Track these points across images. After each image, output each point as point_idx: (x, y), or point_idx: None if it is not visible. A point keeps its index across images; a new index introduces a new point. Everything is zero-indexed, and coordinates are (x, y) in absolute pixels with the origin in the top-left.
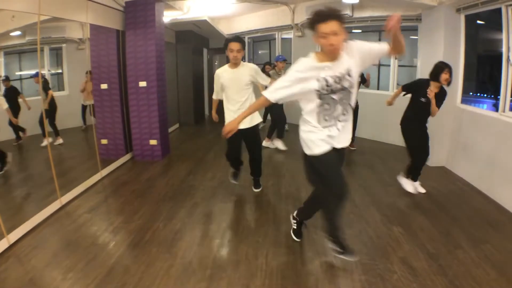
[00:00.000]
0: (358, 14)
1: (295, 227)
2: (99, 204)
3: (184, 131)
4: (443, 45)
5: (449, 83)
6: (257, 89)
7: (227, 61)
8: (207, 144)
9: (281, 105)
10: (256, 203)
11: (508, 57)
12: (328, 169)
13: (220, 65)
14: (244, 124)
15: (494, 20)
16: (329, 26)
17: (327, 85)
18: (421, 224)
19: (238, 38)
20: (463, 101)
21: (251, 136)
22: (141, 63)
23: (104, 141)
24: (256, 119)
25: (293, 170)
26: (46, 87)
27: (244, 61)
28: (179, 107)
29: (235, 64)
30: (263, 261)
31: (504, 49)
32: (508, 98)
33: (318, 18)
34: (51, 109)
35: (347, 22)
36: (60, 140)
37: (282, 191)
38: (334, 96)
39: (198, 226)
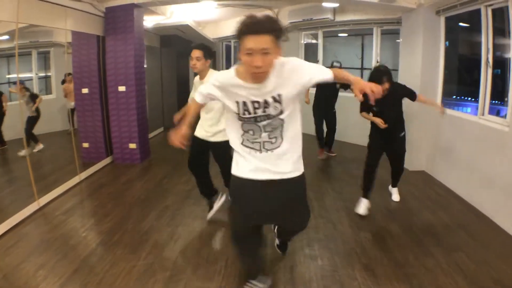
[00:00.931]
0: (339, 18)
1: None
2: (74, 206)
3: (168, 135)
4: (422, 47)
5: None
6: None
7: (213, 65)
8: (187, 148)
9: None
10: (226, 207)
11: (487, 59)
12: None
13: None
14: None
15: (477, 22)
16: (259, 42)
17: (246, 110)
18: (391, 230)
19: (200, 45)
20: (446, 104)
21: (217, 151)
22: (120, 68)
23: (85, 145)
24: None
25: None
26: (33, 96)
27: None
28: (164, 111)
29: (201, 75)
30: (223, 264)
31: (483, 51)
32: (488, 101)
33: (246, 28)
34: (36, 117)
35: (329, 26)
36: (40, 146)
37: None
38: (259, 124)
39: (165, 228)
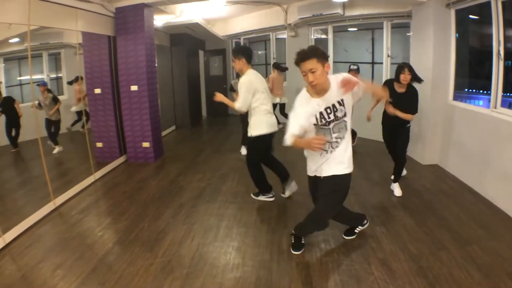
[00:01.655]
0: (349, 13)
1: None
2: (90, 205)
3: (180, 133)
4: (433, 41)
5: (412, 79)
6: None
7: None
8: (201, 146)
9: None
10: (240, 204)
11: (499, 51)
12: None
13: (219, 67)
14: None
15: (487, 14)
16: (306, 65)
17: (323, 118)
18: (406, 224)
19: (234, 48)
20: (458, 98)
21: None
22: (132, 67)
23: (99, 144)
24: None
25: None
26: (55, 98)
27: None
28: (175, 109)
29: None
30: (240, 261)
31: (494, 44)
32: (500, 94)
33: (297, 58)
34: (59, 121)
35: (339, 20)
36: (58, 148)
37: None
38: (330, 126)
39: (181, 226)
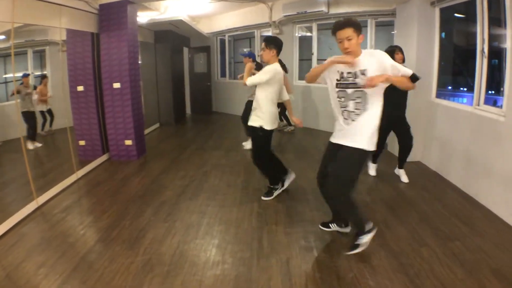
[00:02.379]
0: (333, 11)
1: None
2: (72, 204)
3: (164, 131)
4: (416, 39)
5: (403, 60)
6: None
7: (208, 60)
8: (184, 143)
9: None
10: (222, 201)
11: (483, 49)
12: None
13: (204, 64)
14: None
15: (473, 12)
16: (343, 33)
17: (342, 78)
18: (387, 220)
19: (267, 37)
20: (442, 95)
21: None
22: (115, 64)
23: (82, 143)
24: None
25: None
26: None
27: (264, 63)
28: (159, 107)
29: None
30: (220, 258)
31: (478, 41)
32: (483, 91)
33: (335, 26)
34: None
35: (324, 18)
36: (36, 145)
37: (249, 189)
38: (348, 91)
39: (163, 224)
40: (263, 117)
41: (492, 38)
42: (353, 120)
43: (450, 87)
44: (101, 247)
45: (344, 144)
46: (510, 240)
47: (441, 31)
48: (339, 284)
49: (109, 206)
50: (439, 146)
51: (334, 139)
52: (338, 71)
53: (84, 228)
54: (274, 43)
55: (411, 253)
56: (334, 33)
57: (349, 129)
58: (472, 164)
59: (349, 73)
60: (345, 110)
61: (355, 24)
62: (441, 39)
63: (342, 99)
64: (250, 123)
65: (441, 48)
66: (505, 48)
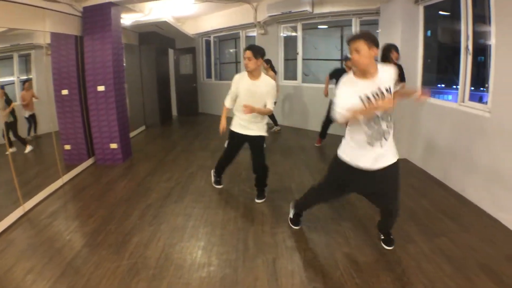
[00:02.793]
0: (318, 10)
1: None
2: (58, 209)
3: (150, 133)
4: (400, 37)
5: (397, 59)
6: None
7: (193, 61)
8: (170, 145)
9: None
10: (208, 203)
11: (467, 46)
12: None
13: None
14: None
15: (458, 10)
16: (353, 44)
17: (370, 102)
18: (373, 218)
19: (249, 46)
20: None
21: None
22: (99, 67)
23: (67, 147)
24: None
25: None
26: (8, 100)
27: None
28: (145, 109)
29: (252, 75)
30: (206, 260)
31: (462, 39)
32: (468, 88)
33: (348, 38)
34: (14, 122)
35: (308, 18)
36: (29, 148)
37: (235, 190)
38: (378, 113)
39: (148, 227)
40: (262, 125)
41: (478, 35)
42: (386, 140)
43: (439, 85)
44: (87, 252)
45: (386, 164)
46: (497, 235)
47: (426, 29)
48: (326, 283)
49: (94, 210)
50: (424, 143)
51: (367, 164)
52: (359, 97)
53: (70, 233)
54: (261, 54)
55: (398, 250)
56: (348, 43)
57: (386, 149)
58: (457, 160)
59: (374, 93)
60: (377, 133)
61: (367, 36)
62: (426, 37)
63: (372, 123)
64: (257, 133)
65: (427, 46)
66: (490, 45)
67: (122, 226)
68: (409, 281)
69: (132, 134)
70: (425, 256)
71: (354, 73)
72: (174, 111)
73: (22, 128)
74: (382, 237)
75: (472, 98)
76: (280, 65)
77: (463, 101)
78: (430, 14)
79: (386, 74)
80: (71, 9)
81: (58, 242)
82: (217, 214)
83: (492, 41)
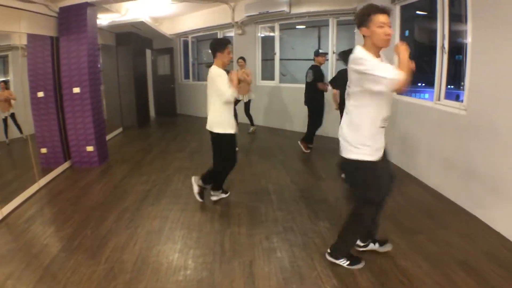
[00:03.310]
0: (295, 10)
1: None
2: (35, 214)
3: (127, 135)
4: None
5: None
6: None
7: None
8: (147, 147)
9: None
10: (184, 205)
11: (443, 45)
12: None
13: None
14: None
15: (435, 9)
16: (387, 17)
17: None
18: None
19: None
20: (406, 92)
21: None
22: (74, 69)
23: (43, 150)
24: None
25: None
26: None
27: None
28: (122, 110)
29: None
30: (182, 263)
31: (439, 37)
32: (444, 87)
33: (377, 8)
34: None
35: (286, 18)
36: None
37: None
38: (389, 96)
39: (124, 231)
40: (229, 123)
41: (455, 34)
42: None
43: (420, 84)
44: (64, 257)
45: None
46: (475, 231)
47: (404, 29)
48: (303, 284)
49: (71, 214)
50: (401, 142)
51: (381, 151)
52: None
53: (47, 238)
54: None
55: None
56: (375, 12)
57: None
58: (434, 158)
59: None
60: (386, 119)
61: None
62: (404, 37)
63: (384, 105)
64: (231, 131)
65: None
66: (466, 44)
67: (98, 230)
68: (387, 279)
69: (109, 137)
70: (402, 253)
71: (368, 51)
72: (152, 112)
73: None
74: (378, 243)
75: (450, 96)
76: (258, 66)
77: (438, 100)
78: (408, 14)
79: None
80: (47, 9)
81: (35, 247)
82: (194, 217)
83: (468, 40)
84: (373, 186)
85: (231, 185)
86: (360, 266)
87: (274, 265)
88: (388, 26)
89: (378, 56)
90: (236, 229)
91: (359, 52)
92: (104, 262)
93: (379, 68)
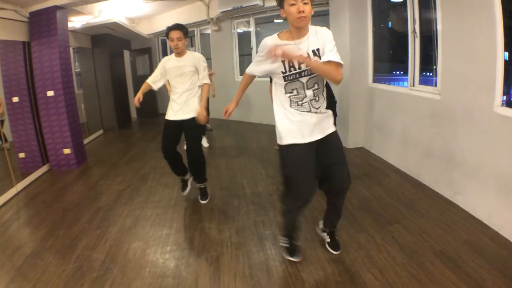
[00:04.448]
0: (269, 4)
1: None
2: (11, 217)
3: (107, 137)
4: (349, 25)
5: None
6: None
7: (150, 61)
8: (125, 148)
9: None
10: (157, 203)
11: (414, 29)
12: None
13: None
14: (181, 115)
15: None
16: None
17: (292, 67)
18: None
19: (178, 25)
20: (382, 81)
21: (189, 129)
22: (47, 72)
23: (21, 155)
24: (193, 111)
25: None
26: None
27: (193, 50)
28: (101, 113)
29: (179, 53)
30: (150, 259)
31: (409, 22)
32: (417, 72)
33: None
34: None
35: (260, 12)
36: None
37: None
38: (302, 80)
39: (95, 230)
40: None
41: (426, 19)
42: (317, 108)
43: (397, 72)
44: (35, 258)
45: (322, 136)
46: (454, 220)
47: (379, 17)
48: (269, 278)
49: (45, 216)
50: (379, 130)
51: (305, 139)
52: (282, 61)
53: (21, 240)
54: (188, 33)
55: (347, 240)
56: None
57: (322, 116)
58: (411, 145)
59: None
60: (304, 102)
61: None
62: (380, 26)
63: (294, 92)
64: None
65: (381, 35)
66: (435, 28)
67: (70, 230)
68: (358, 271)
69: (89, 139)
70: (376, 245)
71: (281, 36)
72: (134, 113)
73: None
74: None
75: (429, 83)
76: (235, 61)
77: (413, 85)
78: (382, 2)
79: (313, 34)
80: (17, 15)
81: (9, 249)
82: (166, 214)
83: (439, 24)
84: (284, 168)
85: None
86: (292, 258)
87: (242, 260)
88: (303, 2)
89: (299, 37)
90: (206, 225)
91: (266, 38)
92: (73, 261)
93: (253, 63)
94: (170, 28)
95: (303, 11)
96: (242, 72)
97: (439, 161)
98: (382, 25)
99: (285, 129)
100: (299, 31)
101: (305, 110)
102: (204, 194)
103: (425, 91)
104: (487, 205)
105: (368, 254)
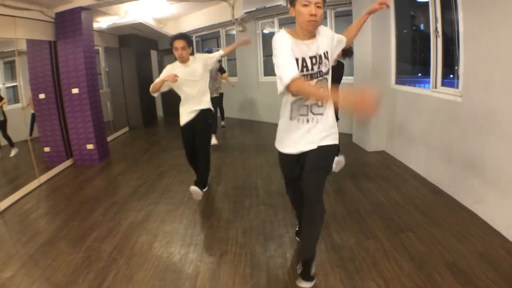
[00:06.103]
0: None
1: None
2: (31, 207)
3: (132, 135)
4: (370, 26)
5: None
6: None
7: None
8: (147, 146)
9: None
10: (170, 199)
11: (436, 28)
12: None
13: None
14: (194, 112)
15: None
16: None
17: (305, 67)
18: (335, 212)
19: (181, 35)
20: (407, 83)
21: (199, 130)
22: (72, 70)
23: (46, 149)
24: (206, 103)
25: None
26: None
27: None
28: (127, 111)
29: (184, 61)
30: (155, 254)
31: (431, 21)
32: (440, 73)
33: None
34: (3, 121)
35: (284, 13)
36: (14, 151)
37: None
38: (311, 82)
39: (108, 223)
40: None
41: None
42: (318, 115)
43: (420, 74)
44: (48, 246)
45: (308, 149)
46: (471, 230)
47: (403, 16)
48: (269, 279)
49: (63, 208)
50: (401, 134)
51: (295, 149)
52: (296, 59)
53: (37, 229)
54: (191, 43)
55: (354, 246)
56: None
57: (321, 125)
58: (432, 149)
59: (313, 58)
60: (304, 105)
61: None
62: (403, 26)
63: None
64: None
65: (404, 35)
66: (458, 27)
67: (84, 222)
68: (361, 279)
69: (114, 136)
70: (384, 252)
71: (292, 34)
72: (160, 112)
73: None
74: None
75: (453, 86)
76: (259, 62)
77: (435, 87)
78: (406, 2)
79: (324, 35)
80: (43, 15)
81: (25, 237)
82: (177, 210)
83: (460, 24)
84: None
85: (222, 179)
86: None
87: (244, 259)
88: (316, 5)
89: (308, 38)
90: (215, 223)
91: (277, 34)
92: (83, 251)
93: (282, 60)
94: (174, 38)
95: (315, 15)
96: (266, 73)
97: (460, 167)
98: (405, 26)
99: (278, 136)
100: (307, 32)
101: (302, 114)
102: (203, 184)
103: (447, 93)
104: (507, 215)
105: (375, 262)
